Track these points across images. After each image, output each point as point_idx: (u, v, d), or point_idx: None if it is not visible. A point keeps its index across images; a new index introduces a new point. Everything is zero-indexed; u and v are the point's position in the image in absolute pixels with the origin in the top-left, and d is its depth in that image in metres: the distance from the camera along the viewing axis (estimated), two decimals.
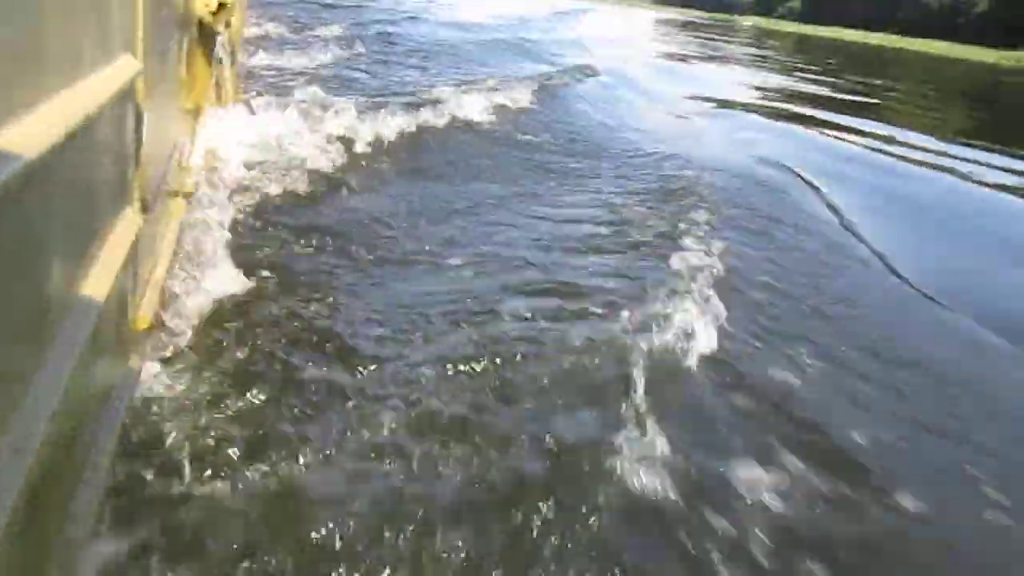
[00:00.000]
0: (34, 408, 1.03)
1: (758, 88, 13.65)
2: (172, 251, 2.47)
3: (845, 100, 13.70)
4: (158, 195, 2.19)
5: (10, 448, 0.93)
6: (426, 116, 5.40)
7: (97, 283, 1.39)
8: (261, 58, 7.22)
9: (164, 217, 2.45)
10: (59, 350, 1.14)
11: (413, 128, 5.09)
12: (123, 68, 1.49)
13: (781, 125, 9.30)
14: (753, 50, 25.35)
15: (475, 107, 6.01)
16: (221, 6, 3.26)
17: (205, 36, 3.42)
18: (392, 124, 4.95)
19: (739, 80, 14.91)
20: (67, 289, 1.27)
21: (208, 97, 3.75)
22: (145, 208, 1.94)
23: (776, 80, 16.00)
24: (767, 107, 10.98)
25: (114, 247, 1.56)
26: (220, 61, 3.63)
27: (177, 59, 2.68)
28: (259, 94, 5.00)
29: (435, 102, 5.73)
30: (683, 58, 18.81)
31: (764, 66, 19.69)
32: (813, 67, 21.16)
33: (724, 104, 10.48)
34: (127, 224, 1.68)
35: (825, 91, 14.94)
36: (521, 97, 6.95)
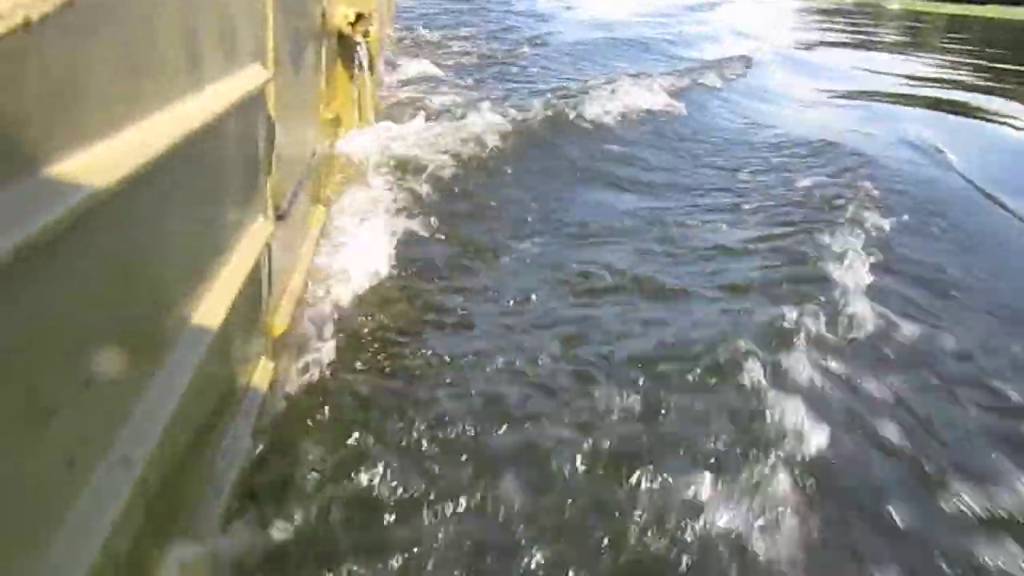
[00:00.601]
0: (152, 412, 1.05)
1: (911, 76, 12.72)
2: (311, 257, 2.53)
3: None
4: (294, 202, 2.24)
5: (122, 458, 0.94)
6: (590, 109, 5.49)
7: (224, 289, 1.41)
8: (403, 64, 7.45)
9: (302, 224, 2.51)
10: (179, 356, 1.15)
11: (558, 124, 5.10)
12: (251, 76, 1.52)
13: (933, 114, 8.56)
14: (902, 36, 23.77)
15: (636, 98, 6.04)
16: (359, 17, 3.34)
17: (344, 47, 3.52)
18: (535, 121, 4.99)
19: (889, 67, 13.98)
20: (190, 295, 1.29)
21: (349, 106, 3.87)
22: (279, 215, 1.98)
23: (927, 67, 14.83)
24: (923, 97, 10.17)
25: (243, 253, 1.59)
26: (360, 71, 3.72)
27: (315, 69, 2.75)
28: (400, 102, 5.13)
29: (589, 94, 5.84)
30: (835, 44, 17.84)
31: (914, 53, 18.36)
32: (970, 50, 19.42)
33: (873, 95, 9.80)
34: (257, 230, 1.72)
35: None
36: (677, 90, 6.90)
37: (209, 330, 1.26)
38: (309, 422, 1.86)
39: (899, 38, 22.01)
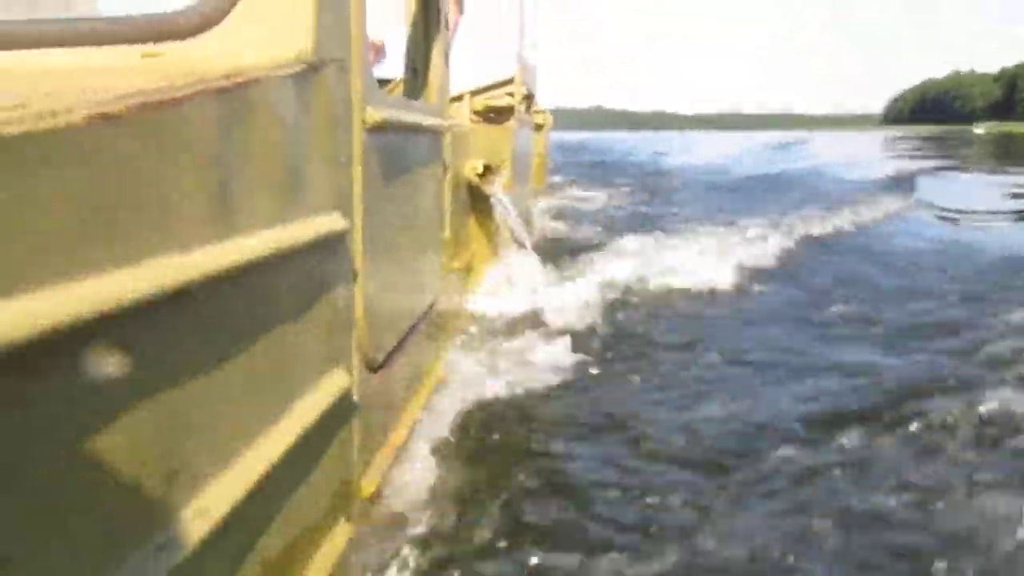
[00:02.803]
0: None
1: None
2: (420, 408, 2.43)
3: None
4: (399, 355, 2.17)
5: None
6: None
7: (303, 447, 1.33)
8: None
9: (410, 378, 2.44)
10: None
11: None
12: (325, 224, 1.48)
13: None
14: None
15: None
16: (487, 169, 3.40)
17: (475, 198, 3.57)
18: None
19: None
20: (263, 451, 1.20)
21: (483, 256, 3.88)
22: (372, 367, 1.90)
23: None
24: None
25: (325, 408, 1.50)
26: (492, 220, 3.76)
27: (434, 220, 2.76)
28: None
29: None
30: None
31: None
32: None
33: None
34: (341, 385, 1.63)
35: None
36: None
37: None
38: None
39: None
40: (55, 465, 0.74)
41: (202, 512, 1.01)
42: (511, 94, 4.44)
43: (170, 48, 1.29)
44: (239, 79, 1.15)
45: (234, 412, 1.13)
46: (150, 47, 1.29)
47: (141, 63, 1.25)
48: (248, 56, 1.29)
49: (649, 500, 2.13)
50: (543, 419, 2.71)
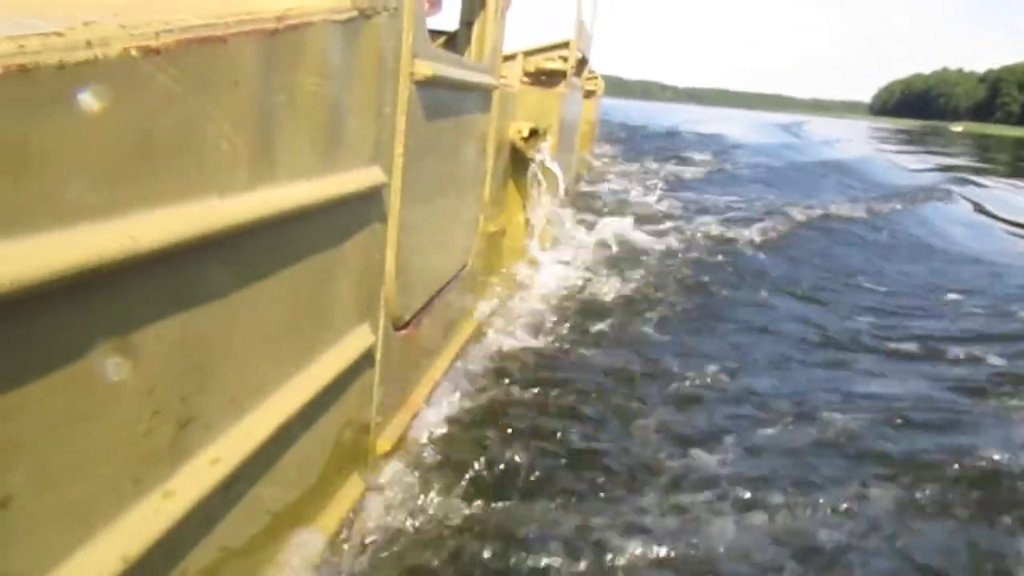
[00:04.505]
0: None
1: None
2: (445, 368, 2.41)
3: None
4: (426, 314, 2.15)
5: None
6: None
7: (320, 402, 1.32)
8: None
9: (438, 338, 2.42)
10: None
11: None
12: (360, 177, 1.45)
13: None
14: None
15: None
16: (533, 133, 3.33)
17: (518, 162, 3.51)
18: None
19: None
20: (274, 384, 1.20)
21: (519, 222, 3.83)
22: (398, 325, 1.88)
23: None
24: None
25: (346, 365, 1.49)
26: (533, 187, 3.70)
27: (474, 181, 2.72)
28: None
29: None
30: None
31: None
32: None
33: None
34: (364, 339, 1.62)
35: None
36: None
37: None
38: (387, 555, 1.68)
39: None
40: (63, 399, 0.73)
41: (215, 460, 1.00)
42: (564, 58, 4.34)
43: None
44: (289, 20, 1.12)
45: (254, 362, 1.12)
46: None
47: None
48: None
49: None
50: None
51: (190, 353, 0.93)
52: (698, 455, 2.23)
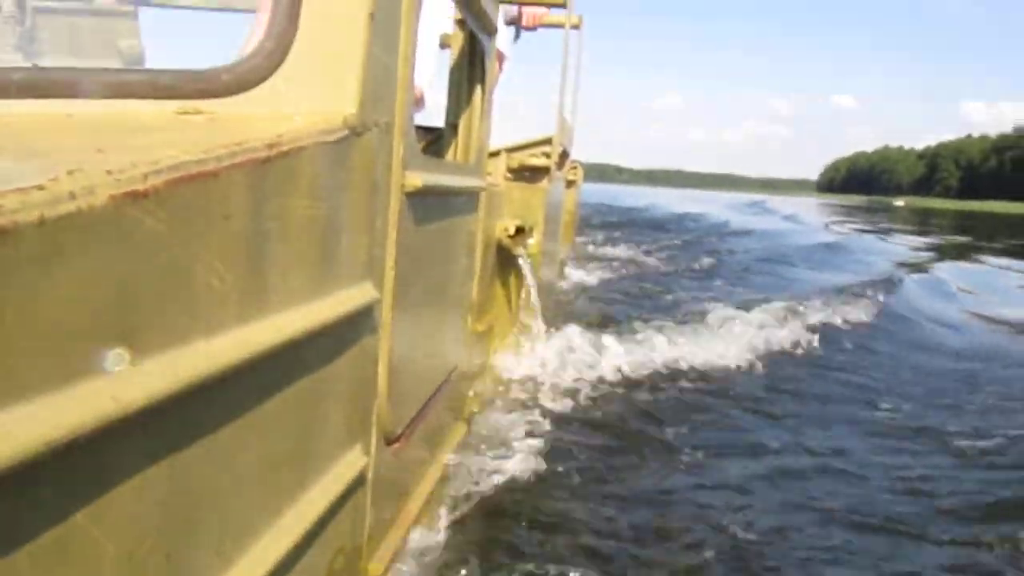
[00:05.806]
0: None
1: None
2: (436, 480, 2.32)
3: None
4: (418, 424, 2.08)
5: None
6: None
7: (311, 533, 1.24)
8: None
9: (429, 447, 2.33)
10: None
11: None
12: (352, 296, 1.40)
13: None
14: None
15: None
16: (519, 231, 3.32)
17: (504, 259, 3.49)
18: None
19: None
20: (263, 525, 1.12)
21: (508, 320, 3.79)
22: (390, 440, 1.81)
23: None
24: None
25: (338, 493, 1.42)
26: (522, 285, 3.67)
27: (463, 282, 2.69)
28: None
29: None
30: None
31: None
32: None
33: None
34: (357, 460, 1.54)
35: None
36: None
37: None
38: None
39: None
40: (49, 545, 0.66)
41: None
42: (547, 154, 4.39)
43: (209, 106, 1.23)
44: (281, 147, 1.09)
45: (243, 506, 1.04)
46: (189, 103, 1.23)
47: (177, 120, 1.19)
48: (290, 120, 1.23)
49: None
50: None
51: (175, 509, 0.86)
52: None
